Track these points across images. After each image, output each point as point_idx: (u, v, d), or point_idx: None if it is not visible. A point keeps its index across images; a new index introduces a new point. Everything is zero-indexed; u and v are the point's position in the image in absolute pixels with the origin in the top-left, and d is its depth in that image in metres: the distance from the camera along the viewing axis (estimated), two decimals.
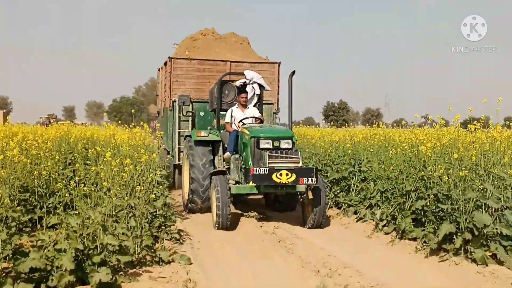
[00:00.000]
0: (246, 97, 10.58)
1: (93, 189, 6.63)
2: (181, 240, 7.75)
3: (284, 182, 8.40)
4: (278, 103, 13.32)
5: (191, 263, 6.52)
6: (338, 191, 10.74)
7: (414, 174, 8.11)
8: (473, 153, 7.01)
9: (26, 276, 5.40)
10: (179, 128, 12.38)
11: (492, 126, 7.64)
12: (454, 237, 6.78)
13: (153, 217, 7.48)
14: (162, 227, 7.54)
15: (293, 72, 10.01)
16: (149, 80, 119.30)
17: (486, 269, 6.24)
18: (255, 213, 10.02)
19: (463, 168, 6.88)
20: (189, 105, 11.64)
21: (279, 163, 8.67)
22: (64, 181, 7.87)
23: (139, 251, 6.26)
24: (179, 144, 12.35)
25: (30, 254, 5.48)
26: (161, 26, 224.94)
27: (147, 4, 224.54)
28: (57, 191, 7.67)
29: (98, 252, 5.66)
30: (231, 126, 10.35)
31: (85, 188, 6.52)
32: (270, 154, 8.74)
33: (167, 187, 9.75)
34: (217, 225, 8.80)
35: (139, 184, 7.13)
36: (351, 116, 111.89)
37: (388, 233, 8.29)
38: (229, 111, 10.55)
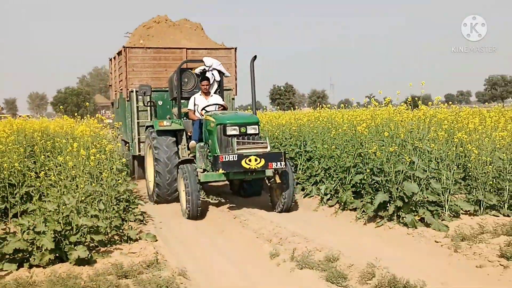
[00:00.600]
0: (208, 84, 10.41)
1: (62, 178, 7.23)
2: (144, 221, 8.44)
3: (253, 168, 8.42)
4: (236, 89, 13.28)
5: (156, 240, 7.20)
6: None
7: (353, 151, 9.01)
8: (402, 131, 7.96)
9: (10, 257, 6.02)
10: (137, 119, 12.28)
11: (421, 106, 8.57)
12: (388, 205, 7.72)
13: (118, 201, 8.10)
14: (127, 210, 8.18)
15: (255, 57, 9.91)
16: (93, 70, 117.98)
17: (415, 231, 7.19)
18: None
19: (393, 144, 7.81)
20: (150, 95, 11.46)
21: (247, 149, 8.65)
22: (32, 172, 8.45)
23: (109, 231, 6.93)
24: (138, 134, 12.25)
25: (9, 238, 6.13)
26: (102, 15, 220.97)
27: None
28: (23, 182, 8.24)
29: (74, 232, 6.33)
30: (194, 114, 10.28)
31: (53, 177, 7.12)
32: (238, 140, 8.72)
33: (126, 174, 10.22)
34: (187, 214, 8.82)
35: (102, 172, 7.77)
36: (297, 99, 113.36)
37: (332, 206, 9.19)
38: (192, 99, 10.41)
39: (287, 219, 8.49)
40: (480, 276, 5.42)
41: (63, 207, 6.43)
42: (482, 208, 7.90)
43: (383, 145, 7.95)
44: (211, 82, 10.63)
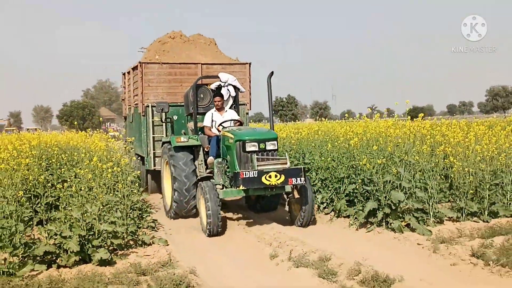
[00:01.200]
0: (221, 100, 10.47)
1: (82, 188, 8.04)
2: (155, 228, 9.23)
3: (273, 184, 8.45)
4: (250, 103, 13.26)
5: (167, 245, 8.00)
6: None
7: (347, 163, 9.81)
8: (389, 145, 8.78)
9: (40, 259, 6.83)
10: (153, 133, 12.27)
11: (407, 122, 9.39)
12: (377, 212, 8.50)
13: (132, 209, 8.91)
14: (140, 217, 8.98)
15: (272, 73, 9.93)
16: (97, 83, 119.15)
17: (401, 235, 7.98)
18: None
19: (381, 157, 8.61)
20: (167, 112, 11.53)
21: (267, 165, 8.69)
22: (50, 184, 9.27)
23: (125, 236, 7.74)
24: (154, 149, 12.28)
25: (38, 242, 6.95)
26: (105, 28, 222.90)
27: (87, 7, 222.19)
28: (43, 193, 9.06)
29: (96, 237, 7.14)
30: (211, 130, 10.36)
31: (73, 188, 7.93)
32: (258, 156, 8.78)
33: (138, 186, 10.66)
34: (207, 232, 8.74)
35: (118, 183, 8.59)
36: (300, 110, 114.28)
37: (327, 213, 9.97)
38: (209, 114, 10.49)
39: (286, 225, 9.24)
40: (453, 272, 6.22)
41: (86, 215, 7.25)
42: (464, 215, 8.70)
43: (373, 158, 8.75)
44: (226, 98, 10.76)
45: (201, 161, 10.31)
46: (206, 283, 6.07)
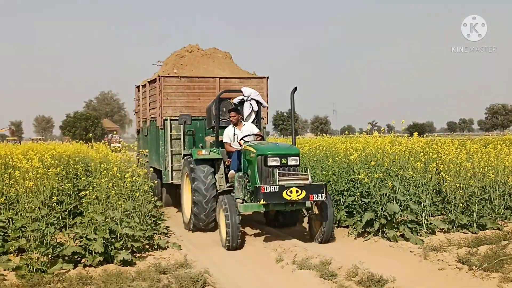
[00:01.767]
0: (235, 116, 10.54)
1: (104, 196, 8.77)
2: (168, 234, 9.94)
3: (294, 199, 8.49)
4: (267, 117, 13.29)
5: (181, 249, 8.71)
6: None
7: (346, 177, 10.53)
8: (386, 160, 9.53)
9: (67, 258, 7.55)
10: (171, 147, 12.31)
11: (402, 140, 10.14)
12: (374, 222, 9.20)
13: (146, 216, 9.61)
14: (155, 223, 9.67)
15: (295, 89, 9.94)
16: (99, 94, 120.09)
17: (396, 244, 8.70)
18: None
19: (378, 172, 9.35)
20: (190, 124, 11.63)
21: (288, 180, 8.73)
22: (68, 192, 9.98)
23: (143, 240, 8.46)
24: (172, 163, 12.30)
25: (66, 244, 7.68)
26: (107, 40, 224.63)
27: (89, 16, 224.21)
28: (62, 200, 9.77)
29: (118, 240, 7.87)
30: (231, 145, 10.44)
31: (93, 196, 8.66)
32: (279, 171, 8.83)
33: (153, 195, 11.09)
34: (227, 245, 8.80)
35: (135, 191, 9.33)
36: (300, 125, 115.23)
37: None
38: (228, 131, 10.57)
39: (289, 234, 9.92)
40: (441, 275, 6.95)
41: (107, 220, 7.98)
42: (454, 227, 9.44)
43: (370, 172, 9.48)
44: (249, 112, 10.94)
45: (222, 174, 10.34)
46: (219, 281, 6.77)
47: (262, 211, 9.77)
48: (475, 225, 9.41)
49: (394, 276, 6.59)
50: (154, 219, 9.82)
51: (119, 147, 42.95)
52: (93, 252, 7.59)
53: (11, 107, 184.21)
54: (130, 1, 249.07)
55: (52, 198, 8.30)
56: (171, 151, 12.27)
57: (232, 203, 8.94)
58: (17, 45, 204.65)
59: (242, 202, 9.21)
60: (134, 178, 9.33)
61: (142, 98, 14.94)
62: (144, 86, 14.56)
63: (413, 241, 8.71)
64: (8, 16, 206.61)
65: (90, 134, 69.50)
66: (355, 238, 9.41)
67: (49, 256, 7.38)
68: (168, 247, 8.72)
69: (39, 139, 69.60)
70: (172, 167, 12.29)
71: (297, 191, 8.46)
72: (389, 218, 9.08)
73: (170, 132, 12.31)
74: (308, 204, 9.05)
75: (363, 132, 12.92)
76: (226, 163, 10.31)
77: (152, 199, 10.03)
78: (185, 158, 11.07)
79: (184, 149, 12.08)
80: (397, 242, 8.79)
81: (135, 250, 8.11)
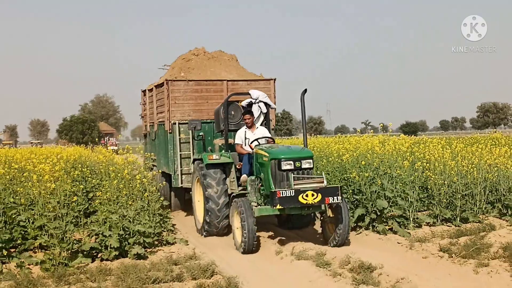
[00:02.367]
0: (250, 118, 10.53)
1: (115, 196, 9.51)
2: (174, 231, 10.67)
3: (310, 203, 8.46)
4: (275, 119, 13.28)
5: (187, 244, 9.45)
6: None
7: (339, 176, 11.30)
8: (376, 160, 10.32)
9: (86, 253, 8.30)
10: (180, 151, 12.28)
11: (390, 140, 10.94)
12: (365, 217, 9.98)
13: (155, 215, 10.33)
14: (162, 221, 10.38)
15: (305, 90, 9.98)
16: (95, 97, 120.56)
17: (385, 237, 9.49)
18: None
19: (368, 171, 10.13)
20: (200, 129, 11.59)
21: (304, 184, 8.70)
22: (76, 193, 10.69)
23: (153, 236, 9.20)
24: (181, 166, 12.25)
25: (84, 240, 8.42)
26: (101, 42, 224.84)
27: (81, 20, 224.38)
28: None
29: (131, 236, 8.62)
30: (242, 147, 10.43)
31: (105, 196, 9.39)
32: (295, 175, 8.82)
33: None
34: (242, 249, 8.81)
35: (145, 191, 10.07)
36: (294, 125, 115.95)
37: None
38: (241, 132, 10.54)
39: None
40: (424, 263, 7.74)
41: (120, 218, 8.73)
42: (439, 221, 10.22)
43: (361, 171, 10.25)
44: (257, 115, 10.88)
45: (233, 178, 10.29)
46: (225, 270, 7.51)
47: (277, 214, 9.85)
48: (458, 219, 10.19)
49: (383, 263, 7.36)
50: (161, 217, 10.52)
51: (116, 149, 43.57)
52: (108, 247, 8.35)
53: (5, 111, 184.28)
54: (125, 3, 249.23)
55: (71, 198, 9.02)
56: (180, 155, 12.26)
57: (248, 206, 8.92)
58: (12, 49, 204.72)
59: (257, 206, 9.19)
60: (143, 179, 10.06)
61: (149, 102, 14.94)
62: (150, 90, 14.59)
63: (401, 234, 9.49)
64: (3, 20, 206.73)
65: (86, 137, 70.42)
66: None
67: (69, 251, 8.12)
68: (175, 243, 9.47)
69: (38, 142, 70.25)
70: (181, 171, 12.25)
71: (313, 195, 8.44)
72: (378, 213, 9.86)
73: (179, 135, 12.29)
74: (322, 207, 9.01)
75: (358, 131, 13.72)
76: (237, 166, 10.32)
77: (160, 199, 10.73)
78: (195, 162, 11.06)
79: (193, 153, 12.14)
80: (386, 235, 9.57)
81: (146, 245, 8.85)
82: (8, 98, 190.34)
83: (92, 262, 8.16)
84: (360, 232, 9.93)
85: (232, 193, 10.13)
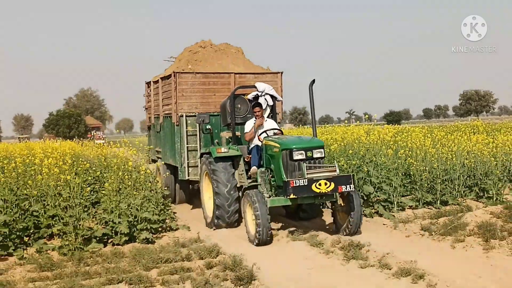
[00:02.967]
0: (260, 110, 10.54)
1: (121, 186, 10.21)
2: (175, 218, 11.40)
3: (323, 192, 8.55)
4: (282, 113, 13.35)
5: (189, 230, 10.20)
6: None
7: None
8: (362, 149, 11.14)
9: (98, 239, 9.03)
10: (187, 143, 12.21)
11: (375, 130, 11.76)
12: None
13: (159, 203, 10.99)
14: (165, 209, 11.08)
15: (313, 81, 9.97)
16: (79, 91, 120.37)
17: (372, 219, 10.34)
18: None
19: (355, 159, 10.94)
20: (208, 122, 11.52)
21: (316, 173, 8.78)
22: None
23: (158, 222, 9.92)
24: (188, 159, 12.21)
25: (95, 227, 9.15)
26: (84, 34, 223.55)
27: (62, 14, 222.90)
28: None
29: (140, 222, 9.36)
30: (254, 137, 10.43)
31: (111, 187, 10.09)
32: (307, 164, 8.85)
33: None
34: (256, 240, 8.82)
35: (149, 182, 10.81)
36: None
37: None
38: (250, 123, 10.59)
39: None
40: (407, 241, 8.61)
41: (128, 207, 9.46)
42: (421, 204, 11.07)
43: (349, 160, 11.06)
44: (264, 107, 10.88)
45: (242, 171, 10.38)
46: (228, 251, 8.27)
47: (286, 206, 9.98)
48: (438, 202, 11.05)
49: (370, 242, 8.19)
50: (163, 206, 11.21)
51: (103, 143, 44.00)
52: (119, 233, 9.09)
53: None
54: None
55: (81, 189, 9.72)
56: (187, 147, 12.23)
57: (261, 198, 8.91)
58: None
59: (269, 197, 9.25)
60: (147, 170, 10.78)
61: (154, 94, 14.85)
62: (156, 82, 14.48)
63: (386, 217, 10.34)
64: None
65: (73, 131, 70.71)
66: None
67: (83, 238, 8.84)
68: (178, 229, 10.21)
69: (26, 137, 70.40)
70: (188, 163, 12.25)
71: (325, 184, 8.53)
72: (365, 198, 10.69)
73: (186, 128, 12.25)
74: (334, 196, 9.07)
75: (345, 122, 14.52)
76: (246, 159, 10.43)
77: (160, 189, 11.42)
78: (204, 156, 11.13)
79: (200, 146, 12.21)
80: (372, 217, 10.43)
81: (153, 231, 9.58)
82: None
83: (104, 247, 8.88)
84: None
85: (242, 186, 10.24)
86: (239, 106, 11.22)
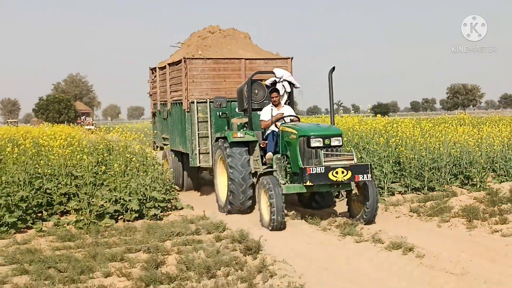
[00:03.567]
0: (278, 96, 10.48)
1: (128, 168, 10.86)
2: (178, 200, 12.04)
3: (340, 180, 8.55)
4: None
5: (193, 209, 10.85)
6: None
7: None
8: (355, 137, 11.88)
9: (110, 215, 9.68)
10: (198, 130, 12.11)
11: (367, 121, 12.49)
12: None
13: (164, 184, 11.56)
14: (170, 190, 11.67)
15: (333, 68, 9.86)
16: (68, 76, 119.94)
17: None
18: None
19: (349, 146, 11.66)
20: (225, 107, 11.53)
21: (334, 161, 8.77)
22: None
23: (166, 201, 10.57)
24: (199, 146, 12.10)
25: (106, 205, 9.80)
26: (73, 19, 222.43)
27: None
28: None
29: (148, 201, 10.03)
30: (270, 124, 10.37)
31: (119, 168, 10.73)
32: (325, 152, 8.82)
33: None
34: (271, 226, 8.85)
35: (156, 164, 11.47)
36: None
37: None
38: (267, 109, 10.50)
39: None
40: (397, 222, 9.40)
41: (138, 186, 10.12)
42: (409, 189, 11.82)
43: (344, 147, 11.76)
44: (282, 94, 10.84)
45: (257, 156, 10.42)
46: (233, 226, 8.94)
47: (299, 194, 9.99)
48: (426, 188, 11.80)
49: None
50: (169, 187, 11.78)
51: (93, 129, 44.54)
52: (129, 210, 9.75)
53: None
54: None
55: (93, 169, 10.38)
56: (198, 134, 12.13)
57: (276, 184, 8.90)
58: None
59: (284, 184, 9.22)
60: (154, 154, 11.44)
61: (160, 80, 14.72)
62: (162, 68, 14.38)
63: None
64: None
65: (63, 117, 70.90)
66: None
67: (96, 213, 9.48)
68: (183, 208, 10.86)
69: (14, 121, 70.54)
70: (199, 150, 12.16)
71: (343, 172, 8.52)
72: None
73: (197, 114, 12.16)
74: (351, 185, 9.15)
75: (340, 112, 15.18)
76: (261, 145, 10.43)
77: (165, 171, 12.01)
78: (218, 140, 11.03)
79: (210, 132, 12.14)
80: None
81: (160, 209, 10.23)
82: None
83: (116, 223, 9.54)
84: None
85: (256, 172, 10.19)
86: (256, 91, 11.20)
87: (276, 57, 13.17)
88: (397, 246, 7.39)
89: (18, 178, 9.83)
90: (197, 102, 12.16)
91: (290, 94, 11.35)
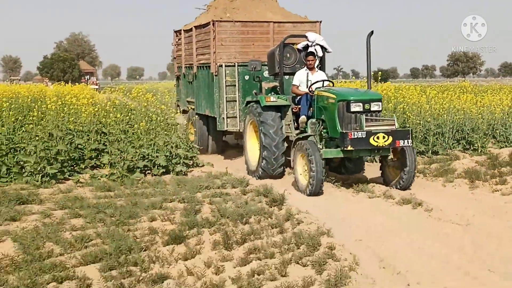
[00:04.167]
0: (313, 59, 10.34)
1: (154, 128, 11.59)
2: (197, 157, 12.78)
3: (381, 145, 8.52)
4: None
5: (213, 167, 11.60)
6: None
7: None
8: None
9: (140, 169, 10.45)
10: (225, 94, 12.07)
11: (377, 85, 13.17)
12: None
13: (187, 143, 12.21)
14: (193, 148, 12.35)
15: (372, 32, 9.73)
16: (70, 35, 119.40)
17: (373, 164, 11.79)
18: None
19: None
20: (260, 70, 11.28)
21: (375, 126, 8.71)
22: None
23: (190, 158, 11.32)
24: (226, 110, 12.10)
25: (134, 160, 10.58)
26: None
27: None
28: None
29: (175, 158, 10.80)
30: (298, 89, 10.33)
31: (143, 127, 11.45)
32: (366, 117, 8.75)
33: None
34: (308, 191, 8.86)
35: (178, 125, 12.23)
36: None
37: None
38: (302, 73, 10.39)
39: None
40: None
41: (165, 143, 10.87)
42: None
43: None
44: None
45: (290, 121, 10.32)
46: (255, 182, 9.74)
47: (327, 159, 9.49)
48: (430, 152, 12.58)
49: (374, 181, 9.76)
50: (192, 146, 12.46)
51: (97, 88, 45.14)
52: (157, 166, 10.52)
53: None
54: None
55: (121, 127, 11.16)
56: (226, 98, 12.11)
57: (315, 148, 8.84)
58: None
59: (321, 149, 9.18)
60: (178, 114, 12.18)
61: (186, 43, 14.54)
62: (188, 31, 14.23)
63: None
64: None
65: (67, 76, 71.21)
66: None
67: (127, 168, 10.26)
68: (204, 165, 11.63)
69: (17, 79, 70.85)
70: (226, 114, 12.17)
71: (384, 137, 8.48)
72: None
73: (225, 78, 12.07)
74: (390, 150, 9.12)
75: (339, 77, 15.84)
76: (293, 109, 10.33)
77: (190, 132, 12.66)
78: (250, 104, 10.94)
79: (238, 95, 12.18)
80: (373, 163, 11.90)
81: (185, 166, 11.00)
82: None
83: (145, 177, 10.33)
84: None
85: (288, 136, 10.27)
86: (288, 55, 11.04)
87: (304, 21, 13.06)
88: (407, 201, 8.21)
89: (53, 134, 10.55)
90: (225, 66, 12.07)
91: (322, 59, 11.24)
